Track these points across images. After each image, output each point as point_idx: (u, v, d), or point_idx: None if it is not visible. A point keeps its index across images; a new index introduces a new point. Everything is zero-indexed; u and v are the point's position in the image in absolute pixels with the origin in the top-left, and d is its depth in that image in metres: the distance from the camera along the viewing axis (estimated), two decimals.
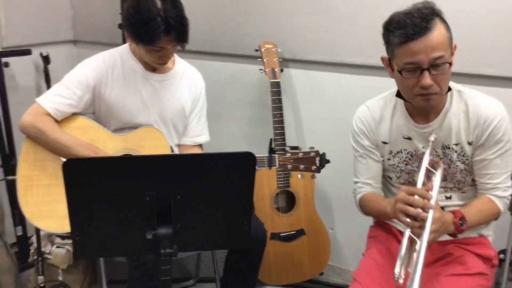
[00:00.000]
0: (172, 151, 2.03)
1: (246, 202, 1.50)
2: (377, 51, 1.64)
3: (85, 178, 1.38)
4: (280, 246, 2.41)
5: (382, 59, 1.61)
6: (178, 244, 1.46)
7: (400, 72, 1.52)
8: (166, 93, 2.04)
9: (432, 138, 1.62)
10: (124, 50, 2.04)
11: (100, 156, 1.86)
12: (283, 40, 2.49)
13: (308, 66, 2.52)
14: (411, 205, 1.46)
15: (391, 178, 1.76)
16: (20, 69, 2.81)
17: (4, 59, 2.65)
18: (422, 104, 1.56)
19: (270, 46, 2.44)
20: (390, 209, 1.56)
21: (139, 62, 2.01)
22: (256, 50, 2.45)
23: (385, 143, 1.72)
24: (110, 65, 1.99)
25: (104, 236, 1.46)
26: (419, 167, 1.60)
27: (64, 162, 1.32)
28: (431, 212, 1.43)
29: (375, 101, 1.77)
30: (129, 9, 1.86)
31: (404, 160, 1.70)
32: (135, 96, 1.99)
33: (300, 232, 2.44)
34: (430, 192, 1.49)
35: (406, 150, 1.69)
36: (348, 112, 1.88)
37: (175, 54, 2.10)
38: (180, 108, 2.07)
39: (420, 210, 1.44)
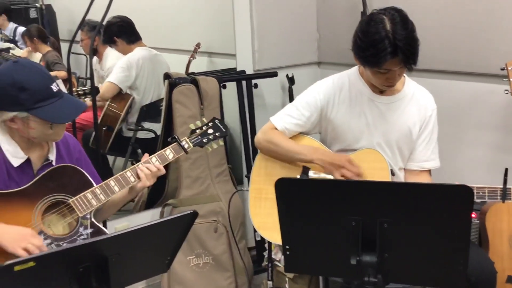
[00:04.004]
0: (393, 174, 1.97)
1: (461, 239, 1.36)
2: None
3: (295, 197, 1.45)
4: None
5: None
6: (383, 274, 1.41)
7: None
8: (392, 115, 1.99)
9: None
10: (353, 73, 2.07)
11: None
12: None
13: None
14: None
15: None
16: (268, 89, 3.10)
17: (254, 81, 2.97)
18: None
19: None
20: None
21: (366, 84, 2.01)
22: (502, 69, 2.18)
23: None
24: (338, 88, 2.04)
25: (311, 254, 1.51)
26: None
27: (277, 181, 1.42)
28: None
29: None
30: (358, 32, 1.88)
31: None
32: (360, 118, 2.00)
33: None
34: None
35: None
36: None
37: (405, 76, 2.04)
38: (406, 131, 2.00)
39: None
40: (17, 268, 1.17)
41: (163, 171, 1.81)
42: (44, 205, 1.66)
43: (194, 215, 1.44)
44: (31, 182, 1.66)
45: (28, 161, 1.71)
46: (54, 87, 1.65)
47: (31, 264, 1.19)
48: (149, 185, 1.78)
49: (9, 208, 1.60)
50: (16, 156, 1.69)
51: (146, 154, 1.83)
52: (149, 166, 1.77)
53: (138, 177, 1.77)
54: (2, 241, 1.54)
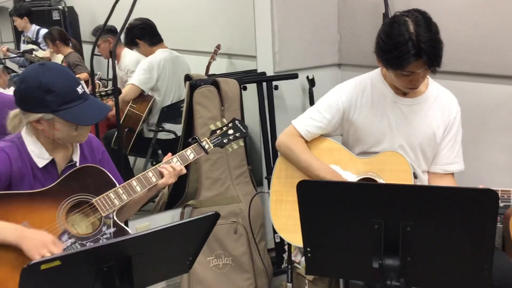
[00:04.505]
0: (416, 177, 1.96)
1: (486, 244, 1.35)
2: None
3: (317, 199, 1.45)
4: None
5: None
6: (406, 278, 1.40)
7: None
8: (415, 117, 1.98)
9: None
10: (375, 75, 2.06)
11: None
12: None
13: None
14: None
15: None
16: (288, 91, 3.10)
17: (274, 83, 2.98)
18: None
19: None
20: None
21: (389, 86, 2.00)
22: None
23: None
24: (360, 90, 2.03)
25: (332, 256, 1.51)
26: None
27: (299, 183, 1.42)
28: None
29: None
30: (381, 34, 1.87)
31: None
32: (382, 120, 1.99)
33: None
34: None
35: None
36: None
37: (428, 78, 2.02)
38: (430, 134, 1.98)
39: None
40: (43, 266, 1.19)
41: (185, 171, 1.83)
42: (68, 204, 1.68)
43: (216, 216, 1.45)
44: (55, 182, 1.69)
45: (52, 162, 1.74)
46: (79, 90, 1.67)
47: (57, 263, 1.21)
48: (171, 182, 1.80)
49: (35, 207, 1.63)
50: (41, 157, 1.72)
51: (170, 154, 1.85)
52: (172, 165, 1.80)
53: (161, 175, 1.79)
54: (23, 245, 1.55)
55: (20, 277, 1.18)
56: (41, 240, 1.57)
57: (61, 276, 1.26)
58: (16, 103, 1.68)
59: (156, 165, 1.80)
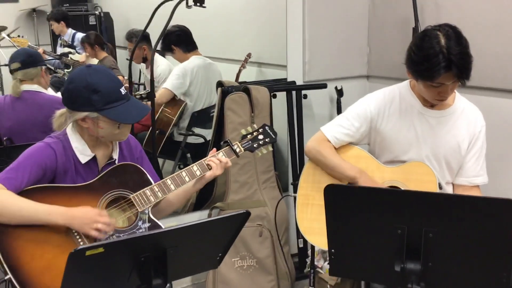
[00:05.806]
0: (441, 188, 2.01)
1: (505, 253, 1.40)
2: None
3: (343, 203, 1.52)
4: None
5: None
6: (426, 282, 1.46)
7: None
8: (442, 129, 2.03)
9: None
10: (404, 86, 2.12)
11: (361, 183, 2.01)
12: None
13: None
14: None
15: None
16: (317, 101, 3.17)
17: (304, 92, 3.05)
18: None
19: None
20: None
21: (417, 98, 2.06)
22: None
23: None
24: (389, 100, 2.10)
25: (356, 258, 1.57)
26: None
27: (326, 187, 1.49)
28: None
29: None
30: (412, 46, 1.94)
31: None
32: (409, 130, 2.05)
33: None
34: None
35: None
36: None
37: (456, 92, 2.07)
38: (455, 146, 2.03)
39: None
40: (88, 253, 1.29)
41: (230, 163, 1.94)
42: (108, 199, 1.79)
43: (247, 215, 1.53)
44: (96, 178, 1.80)
45: (94, 159, 1.85)
46: (122, 90, 1.78)
47: (101, 250, 1.30)
48: (218, 174, 1.90)
49: (77, 199, 1.74)
50: (84, 154, 1.83)
51: (214, 149, 1.96)
52: (219, 157, 1.91)
53: (192, 177, 1.88)
54: (74, 225, 1.68)
55: (67, 261, 1.28)
56: (88, 216, 1.69)
57: (103, 263, 1.35)
58: (64, 102, 1.80)
59: (189, 166, 1.89)
